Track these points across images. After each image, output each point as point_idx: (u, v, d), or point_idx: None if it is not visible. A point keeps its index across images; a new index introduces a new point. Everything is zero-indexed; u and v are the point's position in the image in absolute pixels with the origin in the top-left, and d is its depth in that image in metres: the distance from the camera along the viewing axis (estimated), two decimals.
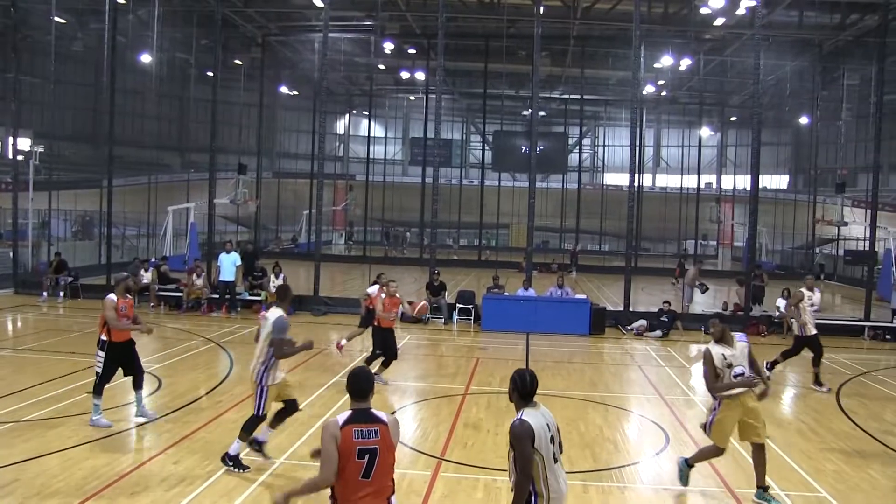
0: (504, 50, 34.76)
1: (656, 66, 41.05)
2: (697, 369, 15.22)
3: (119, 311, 9.98)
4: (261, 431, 8.60)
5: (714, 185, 59.05)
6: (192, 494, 7.62)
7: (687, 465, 8.33)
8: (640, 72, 25.41)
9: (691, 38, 37.46)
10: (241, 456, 8.41)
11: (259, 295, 21.40)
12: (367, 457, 4.62)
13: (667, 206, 50.68)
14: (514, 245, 47.49)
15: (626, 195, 22.73)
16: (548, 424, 5.20)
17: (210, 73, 31.51)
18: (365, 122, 58.56)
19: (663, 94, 51.14)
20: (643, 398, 12.93)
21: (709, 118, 58.08)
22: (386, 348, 13.06)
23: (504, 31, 34.33)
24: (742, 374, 7.97)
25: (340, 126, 64.41)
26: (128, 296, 10.42)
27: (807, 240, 45.47)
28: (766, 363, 14.56)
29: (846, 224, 37.70)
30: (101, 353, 9.92)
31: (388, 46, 42.94)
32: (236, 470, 8.27)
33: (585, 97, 50.05)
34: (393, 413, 5.34)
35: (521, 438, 5.02)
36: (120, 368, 10.09)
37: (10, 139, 27.39)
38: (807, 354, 14.39)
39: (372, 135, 50.47)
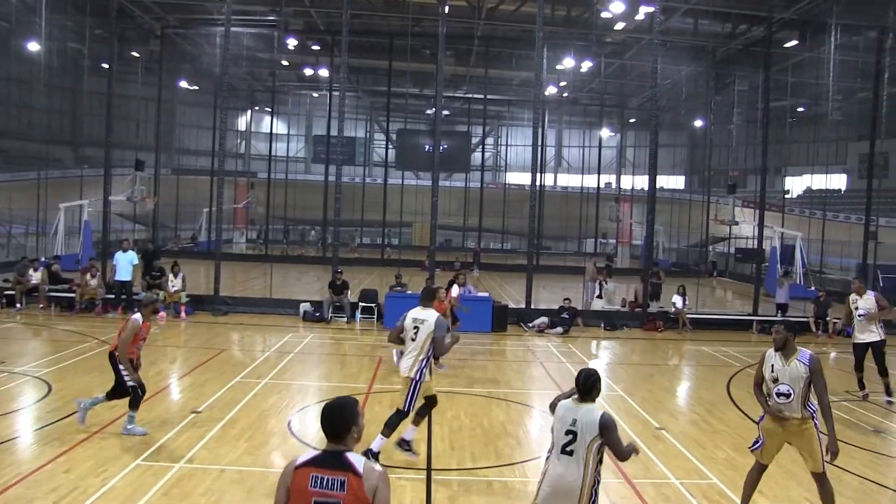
0: (409, 48, 34.77)
1: (558, 67, 41.75)
2: None
3: (138, 336, 9.70)
4: (407, 430, 8.91)
5: (613, 185, 60.54)
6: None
7: None
8: (542, 73, 25.83)
9: (593, 42, 38.24)
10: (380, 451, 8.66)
11: (157, 295, 20.73)
12: None
13: (568, 206, 51.70)
14: (418, 243, 47.76)
15: (528, 194, 23.06)
16: (573, 419, 5.64)
17: (105, 65, 30.33)
18: (267, 118, 57.56)
19: (565, 95, 52.11)
20: (545, 394, 13.12)
21: (609, 119, 59.62)
22: None
23: (409, 29, 34.35)
24: (788, 395, 7.14)
25: (242, 122, 63.22)
26: (153, 317, 10.04)
27: (701, 238, 47.19)
28: (864, 393, 13.41)
29: (737, 223, 39.25)
30: (123, 369, 9.53)
31: (292, 42, 42.32)
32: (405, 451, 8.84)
33: (489, 97, 50.60)
34: (374, 461, 4.24)
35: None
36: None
37: None
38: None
39: (274, 132, 49.70)
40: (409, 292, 21.62)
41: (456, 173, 56.52)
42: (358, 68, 49.21)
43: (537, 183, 24.06)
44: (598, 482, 5.69)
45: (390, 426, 8.70)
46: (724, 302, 31.84)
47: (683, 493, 8.26)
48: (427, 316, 8.87)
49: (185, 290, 20.60)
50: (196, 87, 53.88)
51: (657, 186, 24.73)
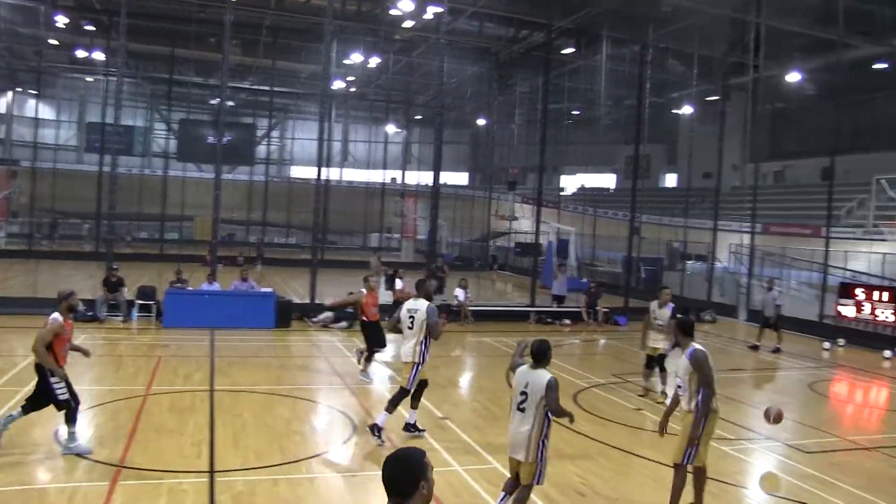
0: (193, 35, 33.31)
1: (347, 62, 41.72)
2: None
3: (62, 336, 8.73)
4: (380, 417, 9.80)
5: (399, 181, 61.42)
6: None
7: None
8: (330, 66, 25.69)
9: (381, 38, 38.56)
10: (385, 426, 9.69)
11: None
12: None
13: (353, 200, 51.81)
14: (199, 238, 45.86)
15: (314, 188, 22.84)
16: (527, 382, 6.95)
17: None
18: (32, 101, 52.99)
19: (352, 90, 52.12)
20: (330, 389, 13.11)
21: (395, 116, 60.35)
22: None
23: (194, 15, 32.88)
24: (681, 387, 7.73)
25: (2, 105, 57.78)
26: (70, 316, 9.02)
27: (483, 233, 48.95)
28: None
29: (516, 219, 41.12)
30: (56, 380, 8.58)
31: (62, 20, 39.14)
32: (379, 439, 9.57)
33: (276, 89, 49.54)
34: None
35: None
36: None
37: None
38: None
39: (40, 116, 45.81)
40: (190, 288, 20.77)
41: (240, 166, 54.93)
42: (138, 53, 46.27)
43: (323, 177, 23.90)
44: (546, 434, 6.95)
45: (394, 403, 9.90)
46: (504, 294, 33.27)
47: (467, 479, 8.57)
48: (419, 305, 10.04)
49: None
50: None
51: (441, 182, 25.35)
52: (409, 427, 10.16)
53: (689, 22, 32.55)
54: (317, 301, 21.29)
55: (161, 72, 47.20)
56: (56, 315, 8.79)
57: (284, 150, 66.20)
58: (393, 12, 34.82)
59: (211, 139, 50.69)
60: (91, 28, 41.69)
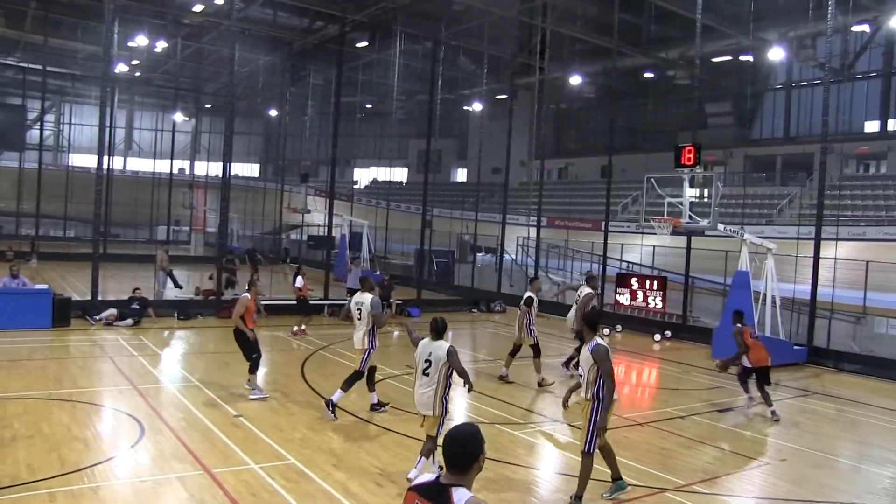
0: None
1: (131, 44, 39.46)
2: None
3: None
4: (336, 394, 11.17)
5: (187, 171, 59.05)
6: None
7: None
8: (112, 48, 24.19)
9: (169, 21, 36.80)
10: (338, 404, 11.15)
11: None
12: None
13: (138, 191, 49.18)
14: None
15: (95, 178, 21.41)
16: (430, 352, 8.45)
17: None
18: None
19: (137, 74, 49.45)
20: (115, 390, 12.35)
21: (184, 103, 57.88)
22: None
23: None
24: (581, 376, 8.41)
25: None
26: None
27: (275, 226, 48.11)
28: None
29: (309, 211, 40.75)
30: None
31: None
32: (333, 414, 11.01)
33: (49, 68, 45.84)
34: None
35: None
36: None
37: None
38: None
39: None
40: None
41: (8, 151, 50.40)
42: None
43: (105, 166, 22.48)
44: (447, 394, 8.49)
45: (348, 383, 11.31)
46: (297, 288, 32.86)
47: (263, 476, 8.37)
48: (364, 299, 11.56)
49: None
50: None
51: (232, 174, 24.62)
52: (375, 406, 11.70)
53: (480, 21, 33.70)
54: (99, 298, 20.00)
55: None
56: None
57: (61, 135, 61.59)
58: None
59: None
60: None
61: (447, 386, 8.45)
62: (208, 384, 12.80)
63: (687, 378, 16.57)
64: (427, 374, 8.43)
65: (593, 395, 8.07)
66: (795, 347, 19.13)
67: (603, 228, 28.07)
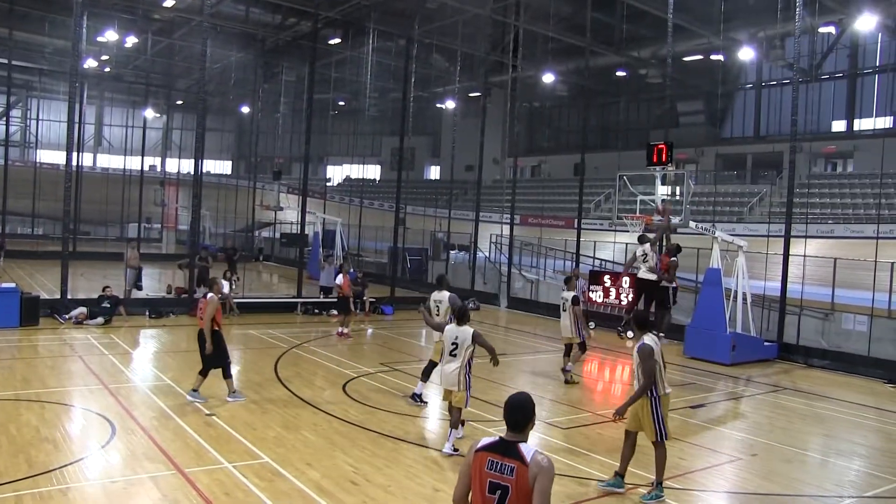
0: None
1: (100, 39, 38.97)
2: None
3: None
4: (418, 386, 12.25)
5: (158, 168, 58.46)
6: None
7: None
8: (81, 43, 23.88)
9: (139, 16, 36.39)
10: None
11: None
12: (498, 493, 4.07)
13: (109, 188, 48.56)
14: None
15: (64, 175, 21.14)
16: (456, 335, 9.66)
17: None
18: None
19: (107, 70, 48.87)
20: (86, 390, 12.21)
21: (155, 100, 57.34)
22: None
23: None
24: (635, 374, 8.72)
25: None
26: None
27: (247, 223, 47.80)
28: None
29: (282, 209, 40.53)
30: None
31: None
32: (420, 401, 12.11)
33: (14, 63, 45.13)
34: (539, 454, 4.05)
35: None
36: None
37: None
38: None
39: None
40: None
41: None
42: None
43: (74, 162, 22.19)
44: (469, 371, 9.68)
45: (426, 373, 12.24)
46: (270, 286, 32.72)
47: (237, 475, 8.32)
48: (443, 297, 12.39)
49: None
50: None
51: (204, 171, 24.42)
52: (415, 396, 12.16)
53: (454, 19, 33.70)
54: (69, 296, 19.76)
55: None
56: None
57: (28, 131, 60.72)
58: None
59: None
60: None
61: (469, 364, 9.65)
62: (181, 383, 12.68)
63: None
64: (454, 355, 9.61)
65: (638, 389, 8.50)
66: (766, 344, 19.37)
67: (576, 226, 28.18)
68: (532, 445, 4.11)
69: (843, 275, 22.15)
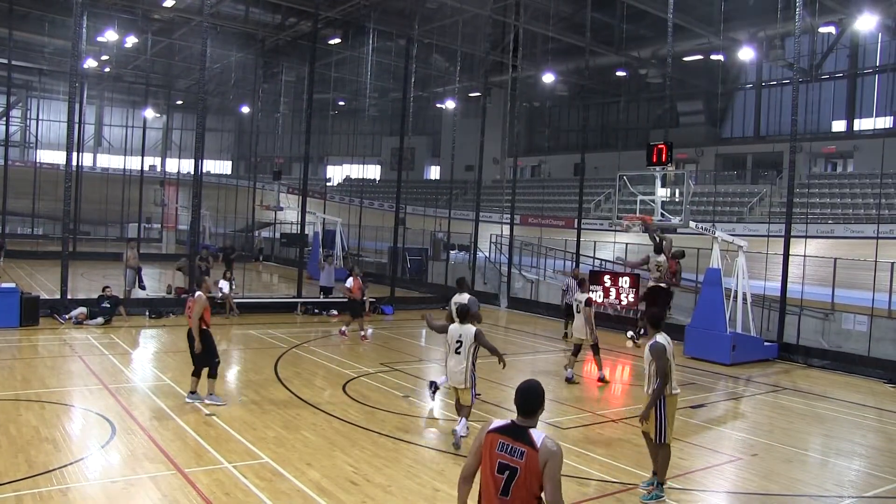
0: None
1: (100, 39, 38.96)
2: None
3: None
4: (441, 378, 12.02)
5: (158, 168, 58.45)
6: None
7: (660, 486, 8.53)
8: (81, 43, 23.88)
9: (139, 16, 36.39)
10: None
11: None
12: (506, 473, 4.29)
13: (109, 188, 48.58)
14: None
15: (64, 175, 21.13)
16: (460, 334, 9.97)
17: None
18: None
19: (107, 70, 48.86)
20: (86, 390, 12.21)
21: (155, 100, 57.35)
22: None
23: None
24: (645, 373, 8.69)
25: None
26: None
27: (247, 223, 47.78)
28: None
29: (282, 209, 40.50)
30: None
31: None
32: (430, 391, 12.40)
33: (14, 63, 45.14)
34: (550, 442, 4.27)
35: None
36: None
37: None
38: None
39: None
40: None
41: None
42: None
43: (74, 162, 22.19)
44: (474, 367, 10.04)
45: None
46: (270, 286, 32.70)
47: (237, 475, 8.32)
48: (463, 299, 12.46)
49: None
50: None
51: (204, 171, 24.40)
52: (432, 384, 12.40)
53: (454, 19, 33.70)
54: (69, 296, 19.75)
55: None
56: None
57: (28, 131, 60.72)
58: None
59: None
60: None
61: (474, 361, 10.00)
62: (180, 383, 12.66)
63: None
64: (458, 353, 9.94)
65: (655, 390, 8.45)
66: (766, 344, 19.36)
67: (576, 226, 28.16)
68: (542, 431, 4.31)
69: (843, 275, 22.16)
